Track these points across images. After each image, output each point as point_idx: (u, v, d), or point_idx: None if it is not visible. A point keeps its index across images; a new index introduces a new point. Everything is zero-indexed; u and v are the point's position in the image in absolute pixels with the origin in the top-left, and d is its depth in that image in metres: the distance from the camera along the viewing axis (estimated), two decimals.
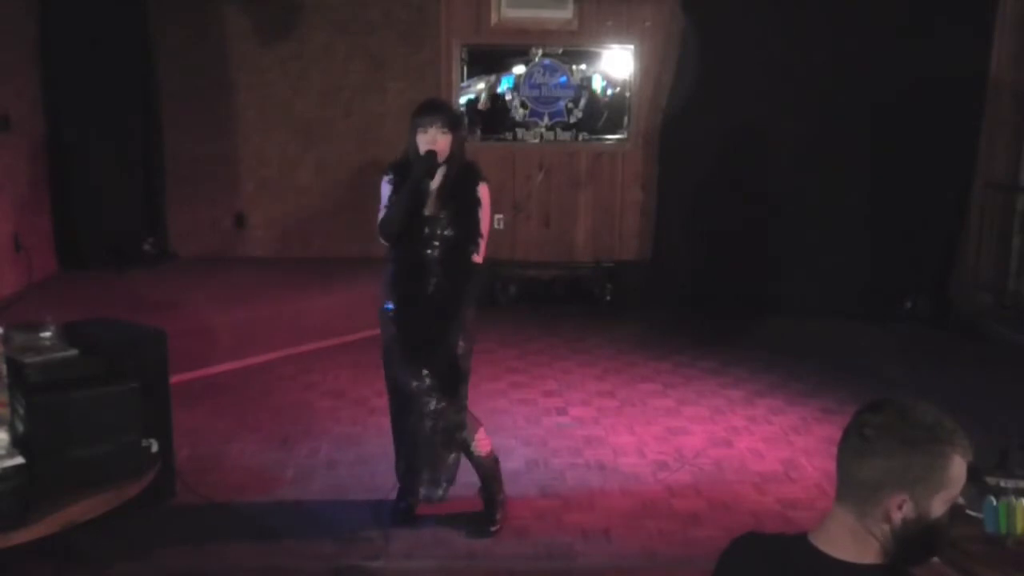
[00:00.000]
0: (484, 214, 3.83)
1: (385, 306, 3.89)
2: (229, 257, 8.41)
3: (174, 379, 4.32)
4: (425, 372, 3.81)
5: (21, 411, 2.75)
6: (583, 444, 5.10)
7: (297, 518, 4.19)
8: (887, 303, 7.69)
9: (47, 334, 3.33)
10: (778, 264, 7.67)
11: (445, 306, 3.79)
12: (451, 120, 3.83)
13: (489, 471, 4.09)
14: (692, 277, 7.81)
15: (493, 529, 4.06)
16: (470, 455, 4.02)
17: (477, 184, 3.84)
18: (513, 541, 4.03)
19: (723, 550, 1.89)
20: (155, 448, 3.03)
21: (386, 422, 5.29)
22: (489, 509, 4.10)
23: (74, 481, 2.76)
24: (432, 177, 3.79)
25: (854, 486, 1.72)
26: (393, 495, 4.20)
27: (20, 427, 2.75)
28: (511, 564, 3.87)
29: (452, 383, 3.84)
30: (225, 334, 6.41)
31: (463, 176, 3.83)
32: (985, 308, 7.74)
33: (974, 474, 2.79)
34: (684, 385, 6.11)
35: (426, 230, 3.78)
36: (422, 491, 3.95)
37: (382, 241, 3.86)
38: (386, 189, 3.87)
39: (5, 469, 2.61)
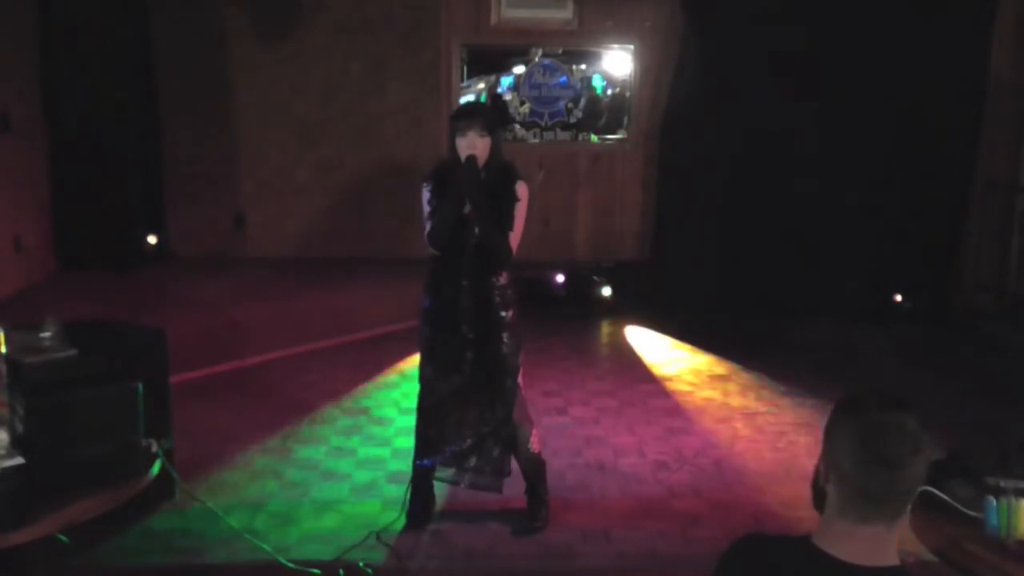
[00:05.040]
0: (520, 210, 3.86)
1: (424, 304, 3.93)
2: (228, 257, 8.41)
3: (174, 379, 4.32)
4: (466, 368, 3.84)
5: (21, 411, 2.75)
6: (583, 444, 5.10)
7: (296, 519, 4.19)
8: (887, 303, 7.68)
9: (47, 334, 3.33)
10: (777, 264, 7.66)
11: (483, 303, 3.83)
12: (489, 123, 3.86)
13: (537, 470, 4.14)
14: (691, 277, 7.80)
15: (537, 526, 4.10)
16: (521, 452, 4.04)
17: (515, 183, 3.88)
18: (513, 541, 4.03)
19: (723, 551, 1.89)
20: (155, 448, 3.02)
21: (385, 423, 5.33)
22: (534, 507, 4.14)
23: (74, 481, 2.76)
24: (478, 183, 3.79)
25: (888, 503, 1.71)
26: (393, 493, 4.20)
27: (20, 427, 2.75)
28: (511, 564, 3.87)
29: (497, 379, 3.88)
30: (225, 334, 6.42)
31: (502, 176, 3.87)
32: (985, 308, 7.74)
33: (974, 474, 2.80)
34: (684, 385, 6.11)
35: (465, 230, 3.81)
36: (469, 478, 3.99)
37: (432, 251, 3.89)
38: (426, 196, 3.90)
39: (5, 469, 2.61)
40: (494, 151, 3.83)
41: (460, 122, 3.84)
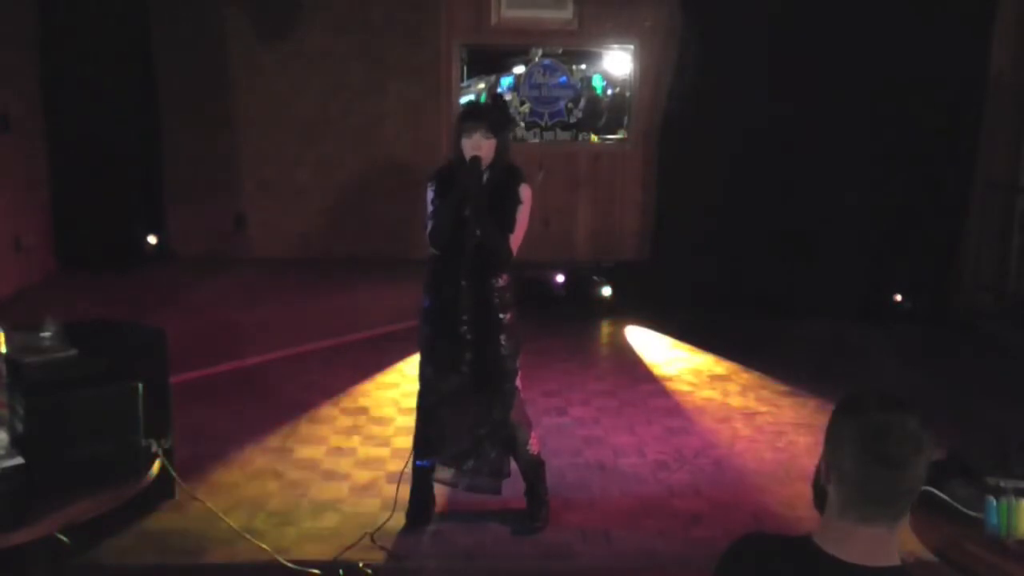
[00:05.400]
0: (522, 212, 3.87)
1: (424, 304, 3.94)
2: (228, 257, 8.41)
3: (174, 379, 4.32)
4: (465, 369, 3.84)
5: (20, 411, 2.75)
6: (583, 444, 5.10)
7: (296, 518, 4.19)
8: (887, 303, 7.68)
9: (47, 334, 3.33)
10: (777, 264, 7.67)
11: (482, 304, 3.83)
12: (495, 125, 3.86)
13: (536, 471, 4.15)
14: (691, 277, 7.81)
15: (537, 526, 4.11)
16: (520, 453, 4.04)
17: (519, 185, 3.88)
18: (513, 541, 4.03)
19: (724, 551, 1.89)
20: (155, 448, 3.02)
21: (385, 423, 5.33)
22: (534, 507, 4.15)
23: (74, 481, 2.76)
24: (479, 184, 3.79)
25: (889, 503, 1.71)
26: (393, 493, 4.19)
27: (19, 427, 2.75)
28: (511, 564, 3.87)
29: (495, 381, 3.88)
30: (225, 334, 6.41)
31: (505, 177, 3.87)
32: (985, 308, 7.73)
33: (974, 474, 2.80)
34: (684, 385, 6.11)
35: (466, 230, 3.81)
36: (466, 481, 3.99)
37: (432, 251, 3.89)
38: (430, 196, 3.91)
39: (4, 469, 2.61)
40: (500, 153, 3.84)
41: (466, 123, 3.85)
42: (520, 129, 8.49)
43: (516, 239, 3.86)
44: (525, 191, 3.88)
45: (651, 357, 6.71)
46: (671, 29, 8.14)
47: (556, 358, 6.58)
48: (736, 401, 5.82)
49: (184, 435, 4.32)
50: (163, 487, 3.83)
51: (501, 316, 3.87)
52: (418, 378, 4.02)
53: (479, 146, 3.78)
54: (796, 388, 5.98)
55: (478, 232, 3.79)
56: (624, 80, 8.50)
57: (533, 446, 4.10)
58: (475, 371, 3.86)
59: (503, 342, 3.87)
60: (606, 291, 7.86)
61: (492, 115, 3.99)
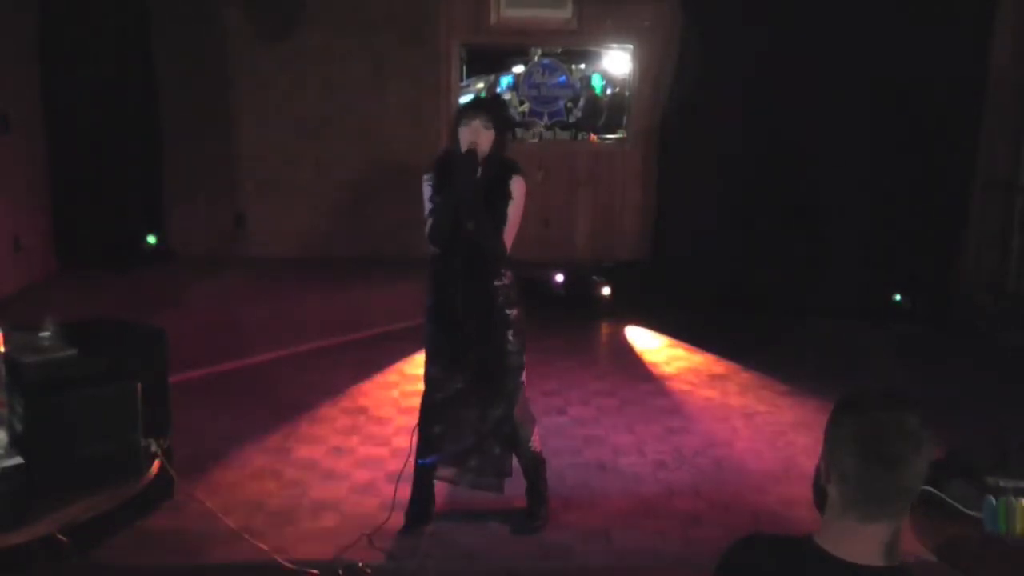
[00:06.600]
0: (514, 208, 3.82)
1: (427, 303, 3.94)
2: (228, 257, 8.40)
3: (174, 379, 4.32)
4: (468, 367, 3.85)
5: (20, 411, 2.75)
6: (583, 444, 5.10)
7: (295, 518, 4.19)
8: (887, 303, 7.68)
9: (47, 334, 3.33)
10: (777, 263, 7.66)
11: (481, 302, 3.82)
12: (496, 118, 3.82)
13: (537, 468, 4.14)
14: (691, 277, 7.81)
15: (538, 524, 4.11)
16: (523, 450, 4.04)
17: (510, 179, 3.83)
18: (513, 541, 4.03)
19: (724, 551, 1.88)
20: (154, 448, 3.03)
21: (385, 423, 5.33)
22: (534, 506, 4.15)
23: (73, 481, 2.76)
24: (473, 177, 3.77)
25: (889, 502, 1.71)
26: (393, 493, 4.19)
27: (19, 427, 2.74)
28: (511, 564, 3.87)
29: (498, 379, 3.87)
30: (225, 334, 6.41)
31: (499, 172, 3.82)
32: (985, 308, 7.73)
33: (974, 474, 2.80)
34: (683, 384, 6.11)
35: (463, 227, 3.79)
36: (470, 478, 3.99)
37: (432, 249, 3.87)
38: (427, 191, 3.89)
39: (4, 469, 2.61)
40: (497, 147, 3.80)
41: (466, 112, 3.82)
42: (519, 129, 8.48)
43: (509, 234, 3.84)
44: (516, 185, 3.83)
45: (651, 357, 6.71)
46: (671, 29, 8.14)
47: (556, 358, 6.58)
48: (736, 400, 5.82)
49: (183, 435, 4.32)
50: (162, 487, 3.83)
51: (508, 312, 3.86)
52: (423, 376, 4.02)
53: (477, 133, 3.73)
54: (796, 388, 5.98)
55: (471, 226, 3.76)
56: (623, 80, 8.50)
57: (535, 443, 4.10)
58: (478, 369, 3.86)
59: (510, 338, 3.87)
60: (606, 291, 7.86)
61: (493, 108, 3.98)
